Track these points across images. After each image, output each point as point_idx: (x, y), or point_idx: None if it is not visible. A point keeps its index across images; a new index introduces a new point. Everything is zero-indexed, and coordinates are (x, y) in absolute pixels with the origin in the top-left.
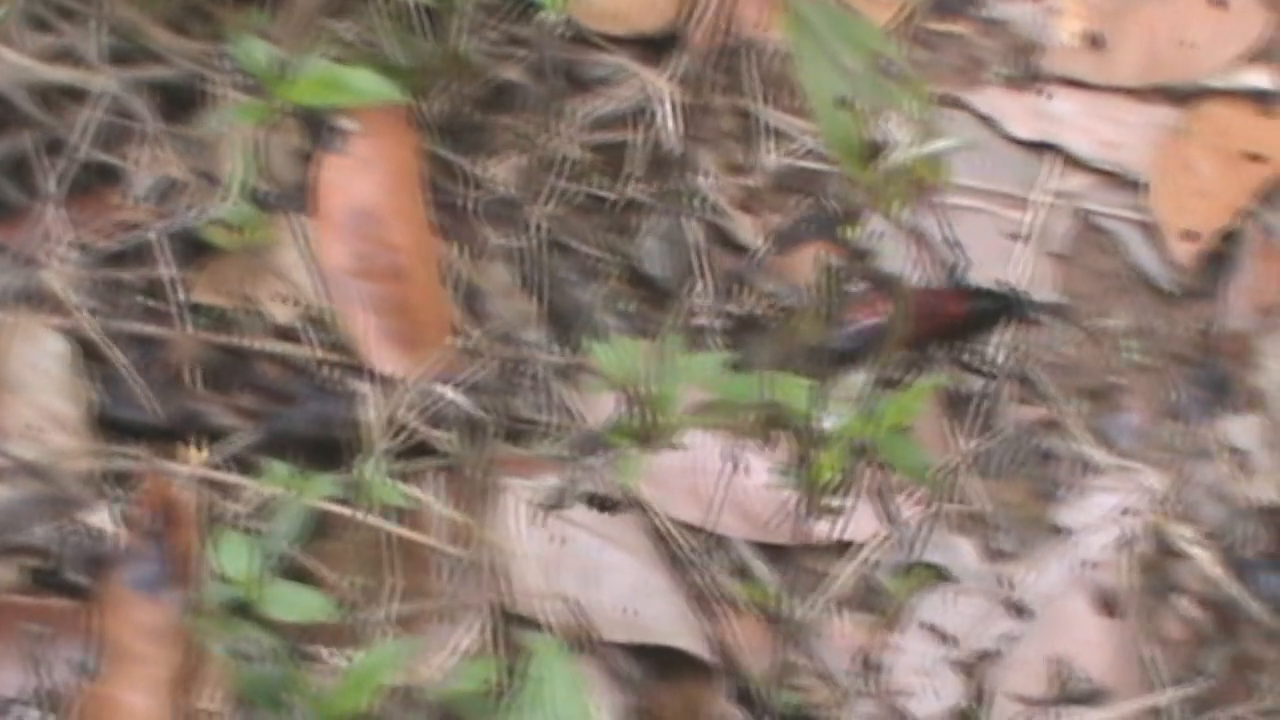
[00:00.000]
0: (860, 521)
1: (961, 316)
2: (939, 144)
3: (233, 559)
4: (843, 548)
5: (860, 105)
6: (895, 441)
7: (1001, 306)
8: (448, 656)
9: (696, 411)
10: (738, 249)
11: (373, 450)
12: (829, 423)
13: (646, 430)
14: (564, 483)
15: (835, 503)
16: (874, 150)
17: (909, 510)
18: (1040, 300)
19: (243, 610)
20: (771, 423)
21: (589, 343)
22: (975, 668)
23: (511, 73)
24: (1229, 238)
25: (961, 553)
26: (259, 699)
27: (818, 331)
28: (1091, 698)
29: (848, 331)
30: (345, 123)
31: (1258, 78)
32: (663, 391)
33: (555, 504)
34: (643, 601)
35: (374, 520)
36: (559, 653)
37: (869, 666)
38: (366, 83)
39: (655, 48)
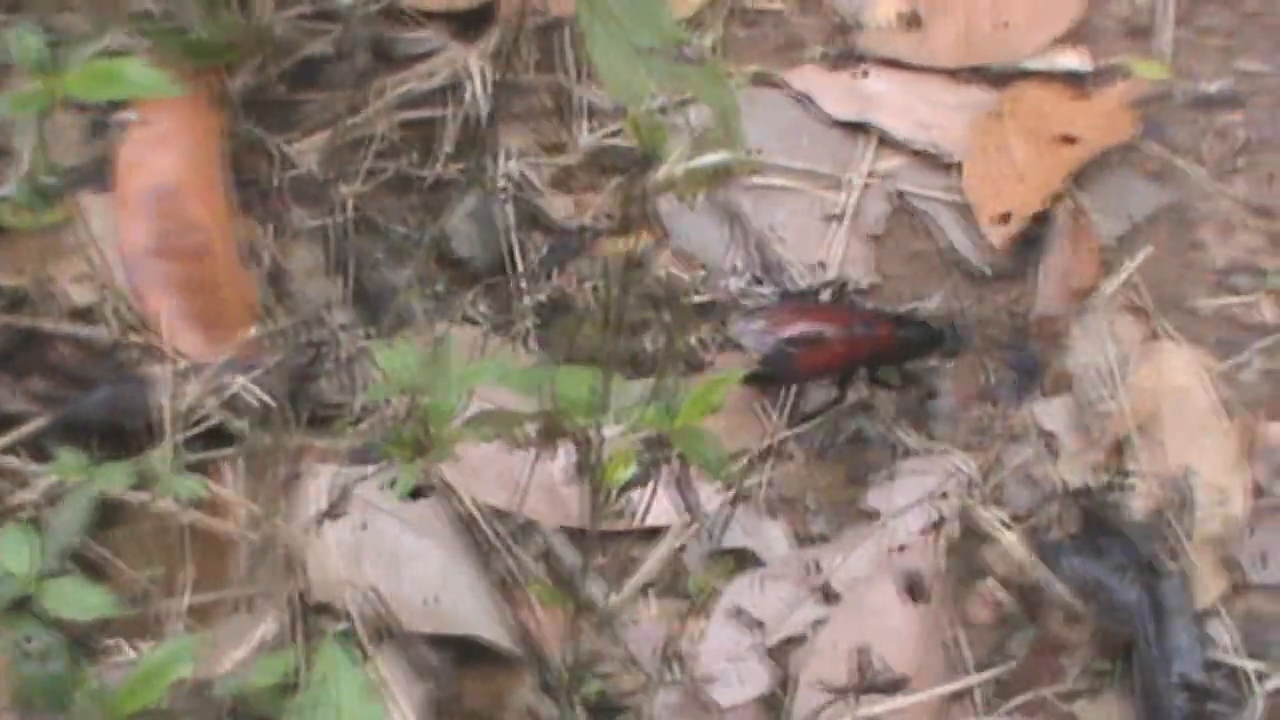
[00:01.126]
0: (668, 507)
1: (891, 343)
2: (711, 158)
3: (13, 553)
4: (653, 533)
5: (658, 90)
6: (691, 436)
7: (932, 338)
8: (245, 649)
9: (474, 421)
10: (551, 229)
11: (166, 437)
12: (610, 431)
13: (420, 443)
14: (337, 490)
15: (630, 497)
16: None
17: (715, 498)
18: (970, 337)
19: (22, 606)
20: (551, 432)
21: (374, 346)
22: (782, 654)
23: (321, 49)
24: (1042, 220)
25: (772, 537)
26: (40, 698)
27: (603, 329)
28: (893, 685)
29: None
30: (126, 115)
31: (1073, 59)
32: (438, 402)
33: (333, 510)
34: (446, 590)
35: (167, 508)
36: (345, 651)
37: (676, 654)
38: (141, 75)
39: (469, 23)
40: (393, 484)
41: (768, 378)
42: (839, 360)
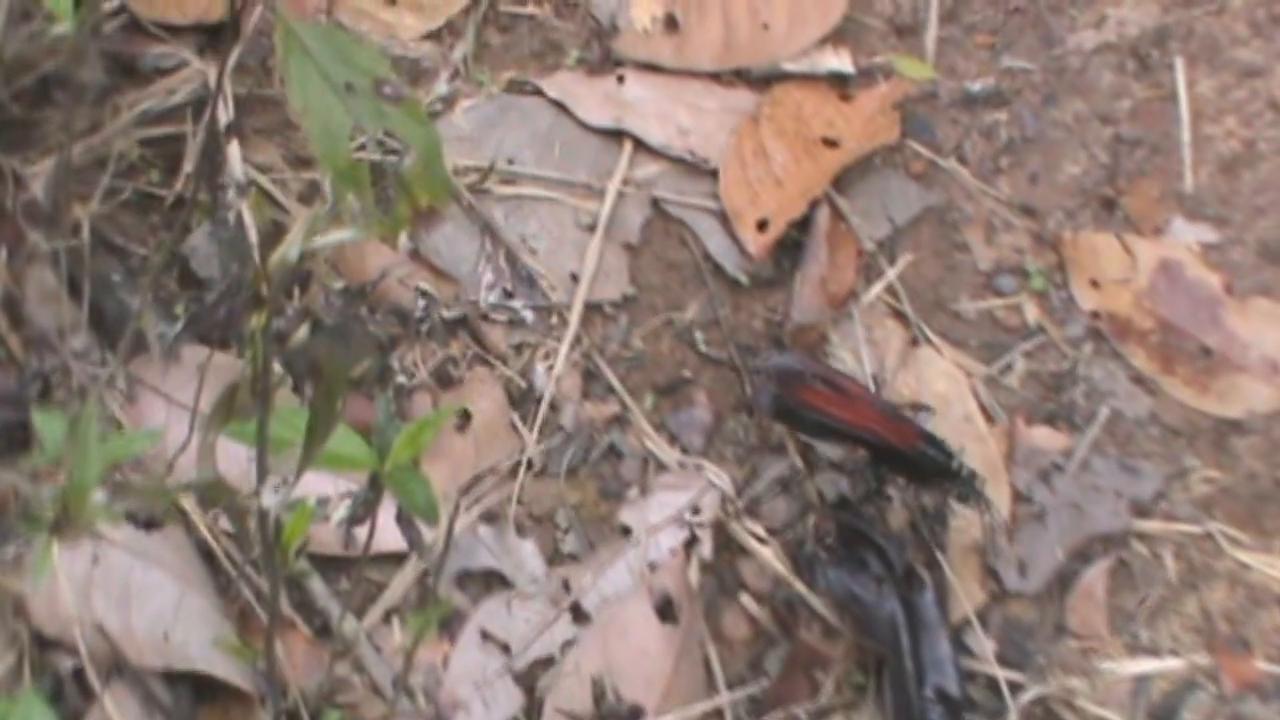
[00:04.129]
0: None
1: (911, 448)
2: (335, 237)
3: None
4: (401, 556)
5: (358, 128)
6: (402, 478)
7: (949, 470)
8: None
9: (118, 491)
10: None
11: None
12: (269, 499)
13: (59, 521)
14: None
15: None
16: (375, 173)
17: (460, 517)
18: (980, 486)
19: None
20: (208, 502)
21: (38, 414)
22: (531, 677)
23: (60, 66)
24: (801, 225)
25: (522, 556)
26: None
27: (254, 394)
28: (632, 714)
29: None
30: None
31: (835, 60)
32: (77, 479)
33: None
34: (179, 624)
35: None
36: (37, 697)
37: (419, 681)
38: None
39: (213, 38)
40: (130, 515)
41: (772, 400)
42: (848, 421)
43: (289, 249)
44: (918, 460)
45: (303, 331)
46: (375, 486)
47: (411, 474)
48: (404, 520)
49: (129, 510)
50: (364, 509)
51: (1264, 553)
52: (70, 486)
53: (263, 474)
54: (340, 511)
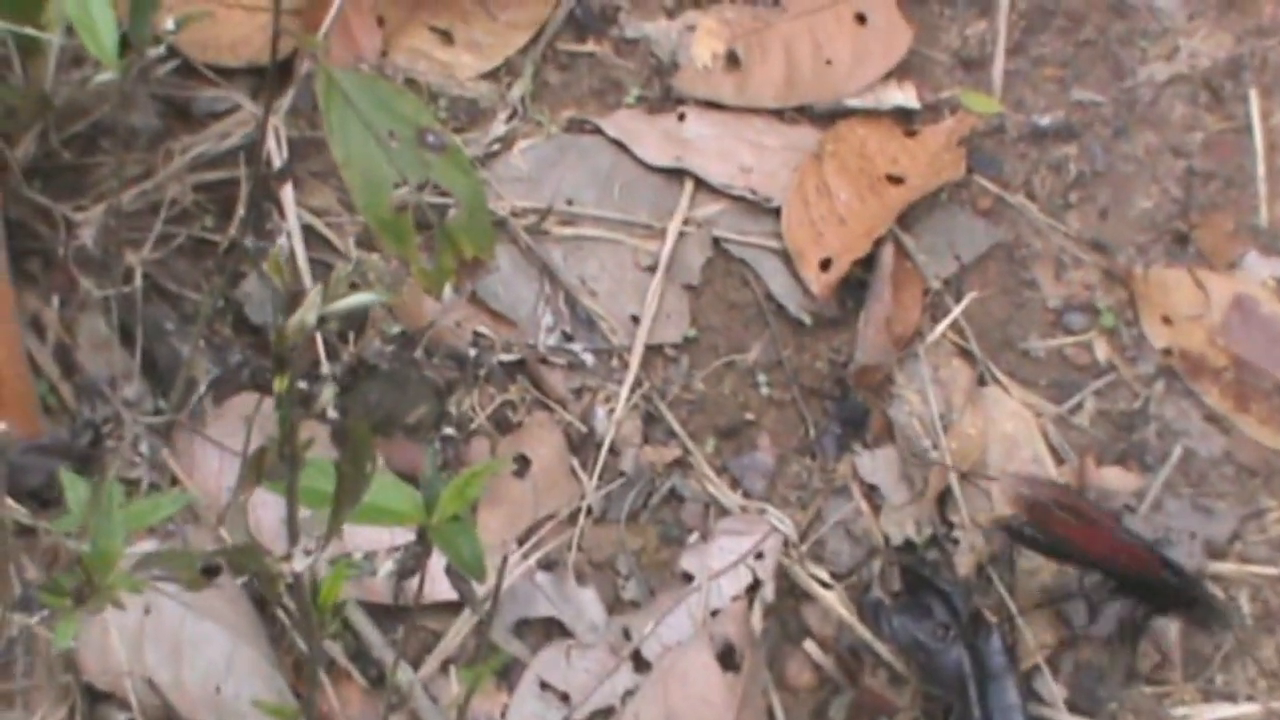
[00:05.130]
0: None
1: (1152, 574)
2: (356, 299)
3: None
4: (458, 605)
5: (402, 180)
6: (448, 532)
7: (1195, 598)
8: None
9: (142, 563)
10: (354, 290)
11: None
12: (300, 563)
13: (82, 591)
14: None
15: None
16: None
17: (518, 565)
18: (1226, 611)
19: None
20: (238, 569)
21: (65, 474)
22: None
23: (111, 112)
24: (866, 264)
25: (582, 604)
26: None
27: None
28: None
29: None
30: None
31: (900, 95)
32: (99, 548)
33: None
34: (230, 677)
35: None
36: None
37: None
38: None
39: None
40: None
41: (1016, 530)
42: (1093, 550)
43: (307, 313)
44: (1161, 587)
45: (327, 394)
46: (423, 540)
47: (458, 528)
48: (454, 572)
49: (158, 577)
50: (413, 562)
51: None
52: (93, 555)
53: (294, 536)
54: (388, 565)
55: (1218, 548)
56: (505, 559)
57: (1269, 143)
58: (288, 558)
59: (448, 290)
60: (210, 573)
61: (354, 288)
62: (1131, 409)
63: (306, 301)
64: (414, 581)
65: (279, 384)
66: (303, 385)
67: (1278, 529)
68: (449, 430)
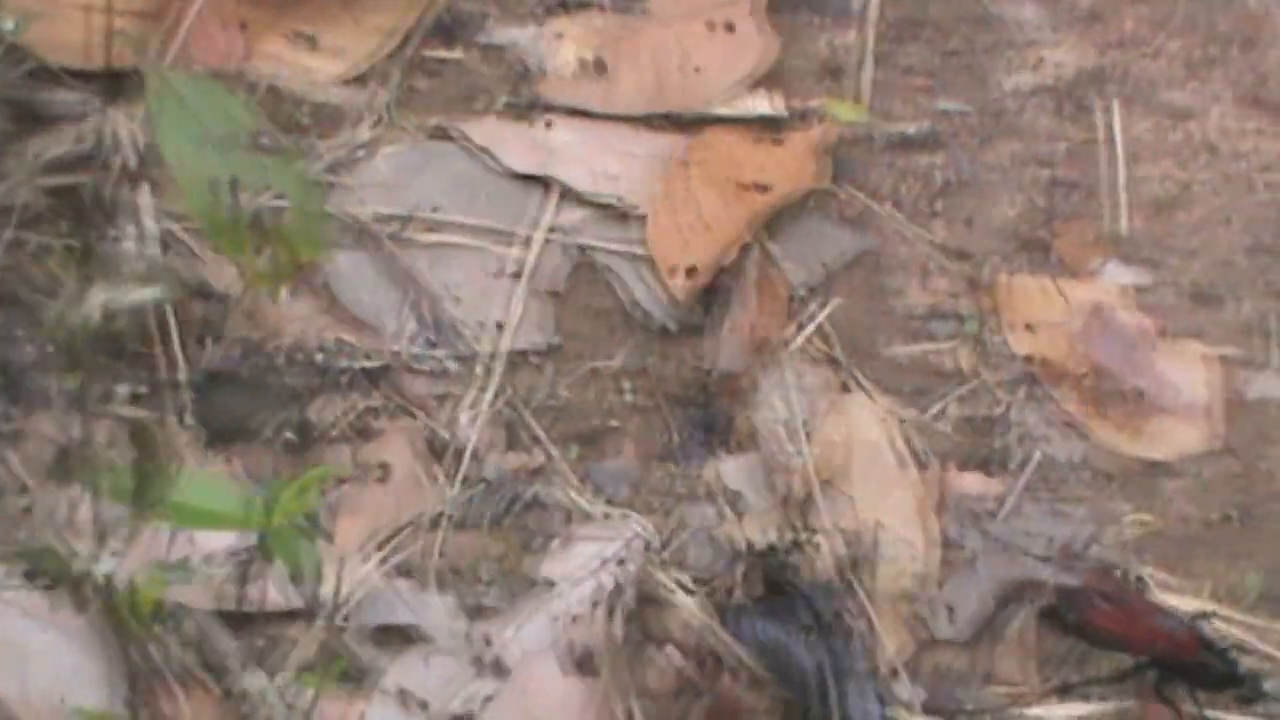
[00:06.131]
0: (331, 582)
1: (1188, 655)
2: (136, 294)
3: None
4: (312, 611)
5: (233, 183)
6: (283, 537)
7: (1232, 676)
8: None
9: None
10: (210, 296)
11: None
12: (105, 565)
13: None
14: None
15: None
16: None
17: (373, 572)
18: (1265, 688)
19: None
20: (34, 573)
21: None
22: None
23: None
24: (730, 271)
25: (443, 610)
26: None
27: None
28: None
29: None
30: None
31: (766, 104)
32: None
33: None
34: (75, 687)
35: None
36: None
37: None
38: None
39: (121, 84)
40: (27, 573)
41: (1055, 616)
42: (1131, 637)
43: (89, 309)
44: (1201, 669)
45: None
46: (264, 545)
47: (294, 532)
48: (297, 577)
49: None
50: (252, 567)
51: (1193, 596)
52: None
53: (99, 537)
54: (226, 569)
55: (1075, 551)
56: (342, 561)
57: (1130, 153)
58: (93, 559)
59: (284, 294)
60: (31, 576)
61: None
62: (993, 415)
63: (90, 296)
64: (255, 587)
65: (70, 382)
66: (146, 390)
67: (1131, 532)
68: (289, 435)
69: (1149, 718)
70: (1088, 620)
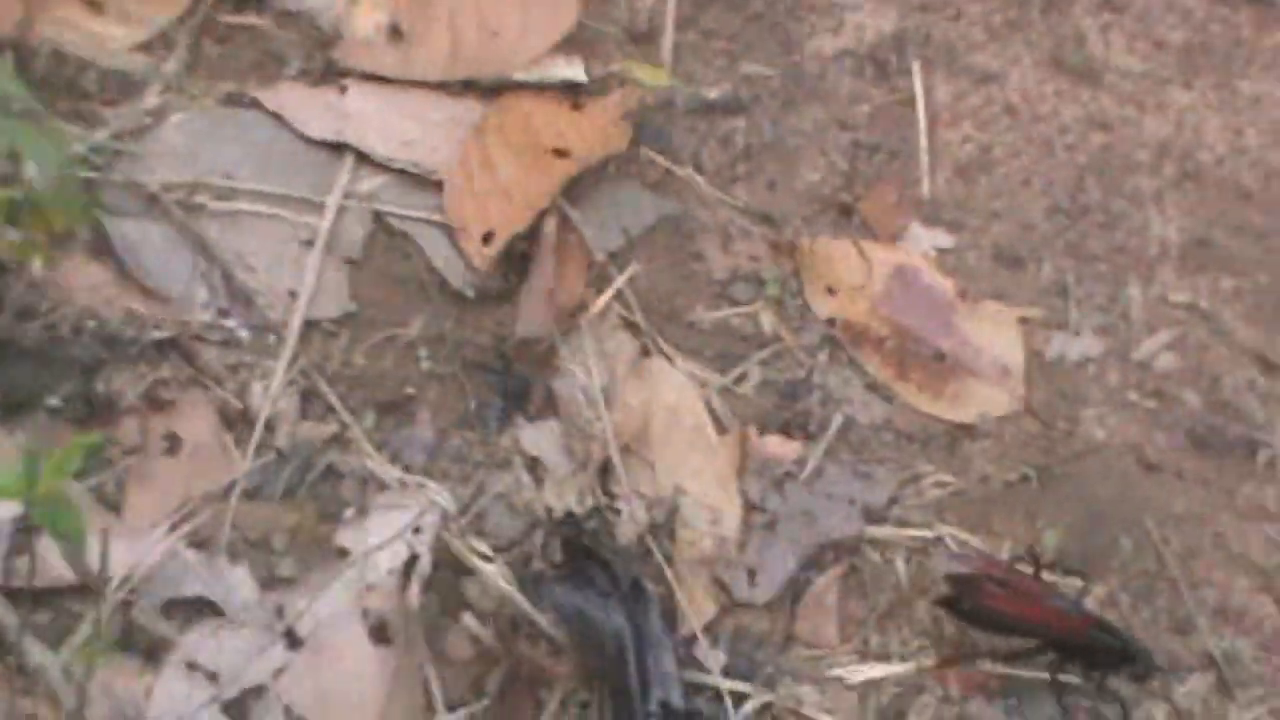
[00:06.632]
0: (119, 555)
1: (1081, 636)
2: None
3: None
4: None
5: None
6: (49, 504)
7: (1125, 655)
8: None
9: None
10: None
11: None
12: None
13: None
14: None
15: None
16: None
17: (158, 544)
18: (1157, 664)
19: None
20: None
21: None
22: (242, 707)
23: None
24: (529, 237)
25: (236, 582)
26: None
27: None
28: None
29: None
30: None
31: (568, 69)
32: None
33: None
34: None
35: None
36: None
37: (125, 713)
38: None
39: None
40: None
41: (950, 603)
42: (1026, 620)
43: None
44: (1093, 647)
45: None
46: (28, 515)
47: (58, 501)
48: (65, 548)
49: None
50: (20, 537)
51: (993, 554)
52: None
53: None
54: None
55: (876, 513)
56: (105, 533)
57: (932, 116)
58: None
59: (37, 263)
60: None
61: None
62: (796, 378)
63: None
64: (24, 560)
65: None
66: None
67: (934, 493)
68: (78, 406)
69: (947, 676)
70: (982, 606)
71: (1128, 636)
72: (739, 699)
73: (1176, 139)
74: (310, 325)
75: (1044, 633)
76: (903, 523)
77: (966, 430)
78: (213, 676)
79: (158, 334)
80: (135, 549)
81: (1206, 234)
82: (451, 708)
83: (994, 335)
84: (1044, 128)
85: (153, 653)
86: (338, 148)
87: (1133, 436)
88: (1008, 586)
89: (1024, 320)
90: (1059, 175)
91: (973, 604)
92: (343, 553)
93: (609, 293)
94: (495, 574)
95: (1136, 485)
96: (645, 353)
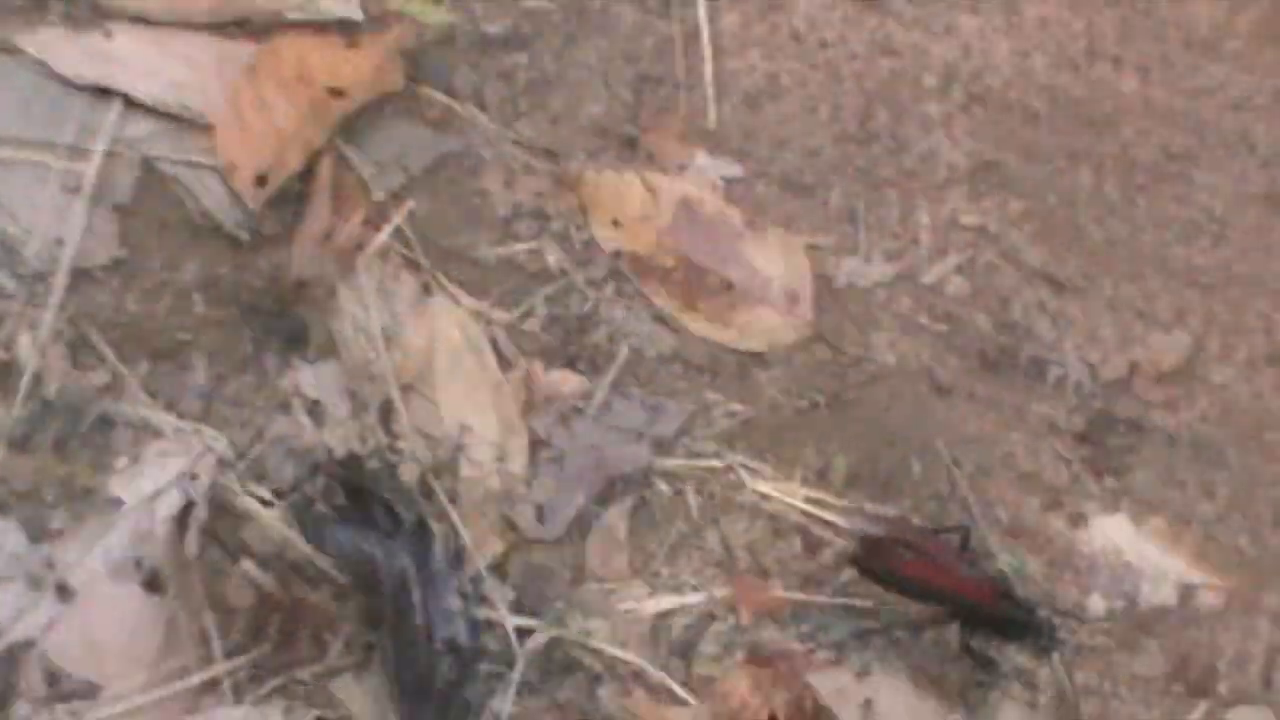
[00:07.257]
0: None
1: (989, 605)
2: None
3: None
4: None
5: None
6: None
7: (1031, 627)
8: None
9: None
10: None
11: None
12: None
13: None
14: None
15: None
16: None
17: None
18: (1061, 636)
19: None
20: None
21: None
22: (11, 661)
23: None
24: (304, 178)
25: (4, 535)
26: None
27: None
28: (87, 692)
29: None
30: None
31: (341, 6)
32: None
33: None
34: None
35: None
36: None
37: None
38: None
39: None
40: None
41: (860, 564)
42: (935, 586)
43: None
44: (999, 616)
45: None
46: None
47: None
48: None
49: None
50: None
51: (784, 481)
52: None
53: None
54: None
55: (666, 444)
56: None
57: (717, 46)
58: None
59: None
60: None
61: None
62: (582, 313)
63: None
64: None
65: None
66: None
67: (723, 423)
68: None
69: (742, 598)
70: (893, 569)
71: (1034, 608)
72: (527, 634)
73: (964, 63)
74: (80, 274)
75: (952, 599)
76: (693, 453)
77: (756, 359)
78: None
79: None
80: None
81: (995, 157)
82: (230, 654)
83: (782, 263)
84: (831, 54)
85: None
86: (104, 93)
87: (924, 360)
88: (917, 551)
89: (813, 247)
90: (847, 102)
91: (882, 566)
92: (116, 503)
93: (386, 230)
94: (274, 518)
95: (928, 408)
96: (427, 291)
